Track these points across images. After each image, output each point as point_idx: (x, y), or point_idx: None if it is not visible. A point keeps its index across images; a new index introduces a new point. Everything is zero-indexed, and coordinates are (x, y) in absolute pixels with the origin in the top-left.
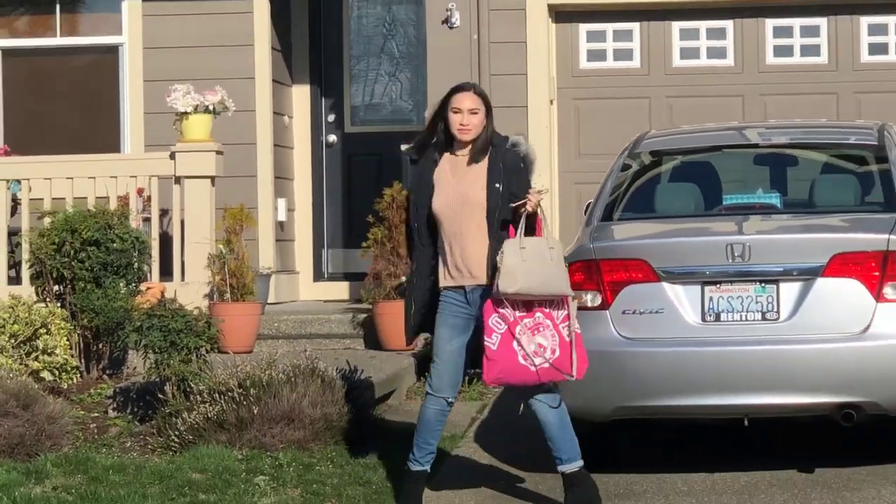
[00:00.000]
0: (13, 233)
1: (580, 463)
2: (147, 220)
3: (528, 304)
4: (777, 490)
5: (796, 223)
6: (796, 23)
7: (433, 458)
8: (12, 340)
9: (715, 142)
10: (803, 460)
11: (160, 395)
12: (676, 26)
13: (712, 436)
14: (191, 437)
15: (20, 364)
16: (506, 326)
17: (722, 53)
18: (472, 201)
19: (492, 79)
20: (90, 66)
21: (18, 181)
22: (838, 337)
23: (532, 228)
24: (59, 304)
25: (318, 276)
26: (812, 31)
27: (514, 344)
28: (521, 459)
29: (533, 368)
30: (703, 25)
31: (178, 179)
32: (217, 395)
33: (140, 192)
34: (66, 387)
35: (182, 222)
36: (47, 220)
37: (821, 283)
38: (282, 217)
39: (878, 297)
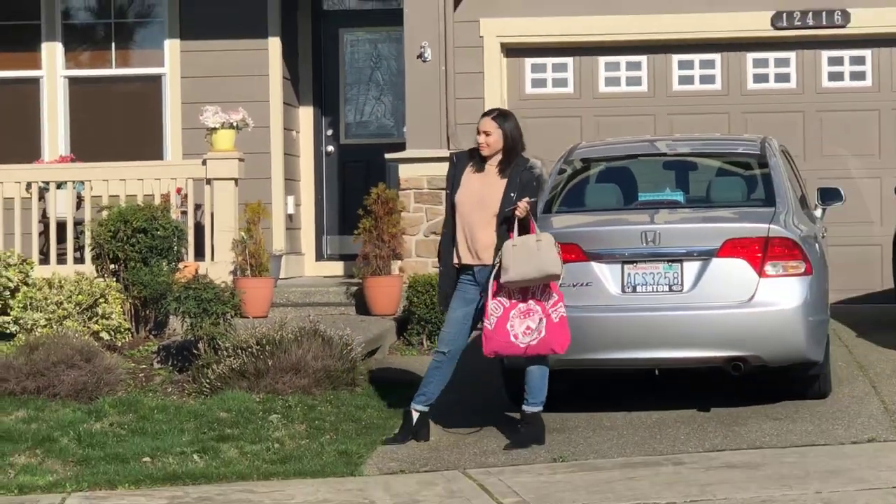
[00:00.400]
0: (78, 222)
1: (540, 408)
2: (184, 213)
3: (523, 291)
4: (681, 425)
5: (696, 215)
6: (696, 58)
7: (429, 402)
8: (77, 308)
9: (632, 151)
10: (702, 401)
11: (194, 351)
12: (602, 60)
13: (630, 383)
14: (219, 384)
15: (83, 326)
16: (502, 310)
17: (638, 82)
18: (488, 203)
19: (457, 102)
20: (138, 91)
21: (83, 182)
22: (729, 304)
23: (527, 228)
24: (114, 279)
25: (319, 256)
26: (709, 65)
27: (508, 325)
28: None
29: (522, 346)
30: (623, 60)
31: (208, 181)
32: (239, 350)
33: (179, 191)
34: (119, 345)
35: (212, 215)
36: (105, 212)
37: (715, 262)
38: (290, 210)
39: (761, 273)
